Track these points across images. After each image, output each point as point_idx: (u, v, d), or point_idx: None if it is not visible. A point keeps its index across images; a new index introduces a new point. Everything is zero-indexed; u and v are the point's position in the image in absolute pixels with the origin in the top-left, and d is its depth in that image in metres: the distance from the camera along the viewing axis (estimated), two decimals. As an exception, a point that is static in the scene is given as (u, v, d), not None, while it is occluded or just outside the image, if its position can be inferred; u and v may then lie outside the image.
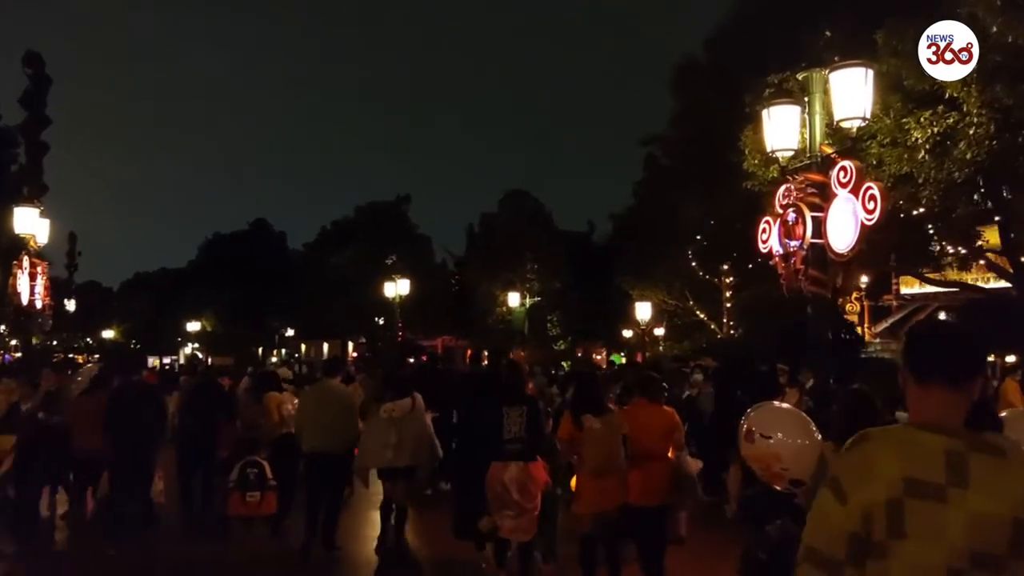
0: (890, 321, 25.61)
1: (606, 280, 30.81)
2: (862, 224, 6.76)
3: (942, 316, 27.40)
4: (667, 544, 6.65)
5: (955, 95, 8.83)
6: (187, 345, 56.11)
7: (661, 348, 28.27)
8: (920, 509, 1.77)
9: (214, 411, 9.04)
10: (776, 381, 9.32)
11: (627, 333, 32.18)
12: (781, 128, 7.74)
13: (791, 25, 10.87)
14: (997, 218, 11.86)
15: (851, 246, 6.91)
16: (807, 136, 7.63)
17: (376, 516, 9.36)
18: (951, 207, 10.47)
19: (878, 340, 23.50)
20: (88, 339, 62.87)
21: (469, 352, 28.17)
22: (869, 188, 6.72)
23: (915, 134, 9.08)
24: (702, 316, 25.87)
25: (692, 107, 20.47)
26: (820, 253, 7.20)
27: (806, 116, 7.58)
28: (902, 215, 10.63)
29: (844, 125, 7.15)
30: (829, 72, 7.14)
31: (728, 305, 24.82)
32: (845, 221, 6.97)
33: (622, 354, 29.73)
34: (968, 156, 8.85)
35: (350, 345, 45.97)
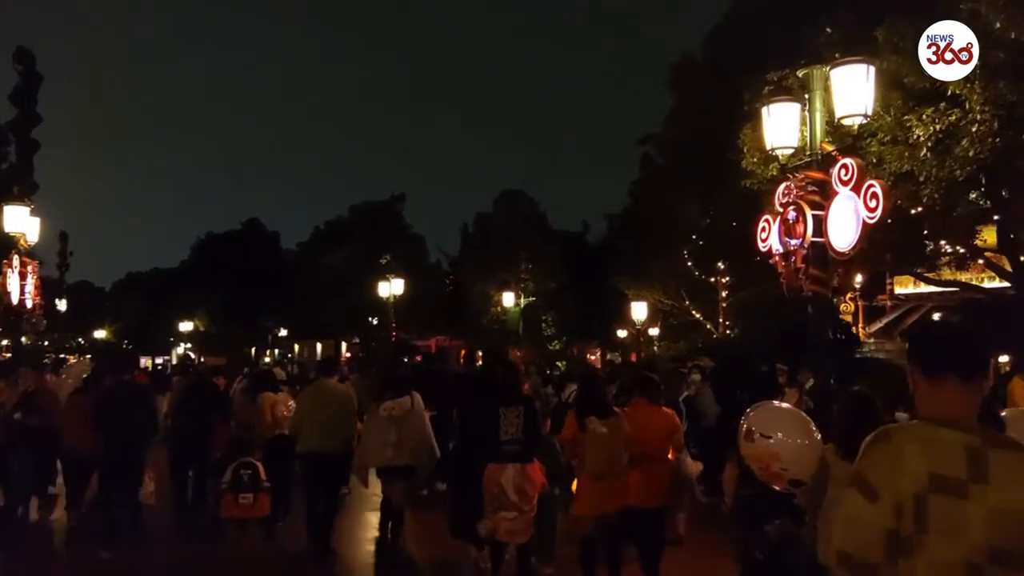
0: (884, 321, 25.60)
1: (601, 280, 30.76)
2: (864, 222, 6.69)
3: (936, 316, 27.43)
4: (666, 545, 6.65)
5: (958, 92, 8.77)
6: (180, 345, 55.88)
7: (655, 348, 28.23)
8: (942, 505, 1.77)
9: (208, 411, 8.94)
10: (775, 381, 9.25)
11: (622, 333, 32.14)
12: (781, 126, 7.67)
13: (791, 23, 10.80)
14: (996, 217, 11.80)
15: (852, 245, 6.84)
16: (806, 134, 7.55)
17: (371, 517, 9.32)
18: (952, 206, 10.42)
19: (872, 340, 23.47)
20: (80, 339, 62.51)
21: (463, 352, 28.14)
22: (871, 186, 6.66)
23: (917, 131, 9.01)
24: (698, 316, 25.84)
25: (690, 105, 20.42)
26: (821, 252, 7.13)
27: (806, 114, 7.50)
28: (898, 214, 10.57)
29: (845, 122, 7.08)
30: (830, 69, 7.07)
31: (724, 305, 24.80)
32: (846, 219, 6.90)
33: (617, 354, 29.68)
34: (971, 153, 8.78)
35: (344, 345, 45.84)
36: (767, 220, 7.99)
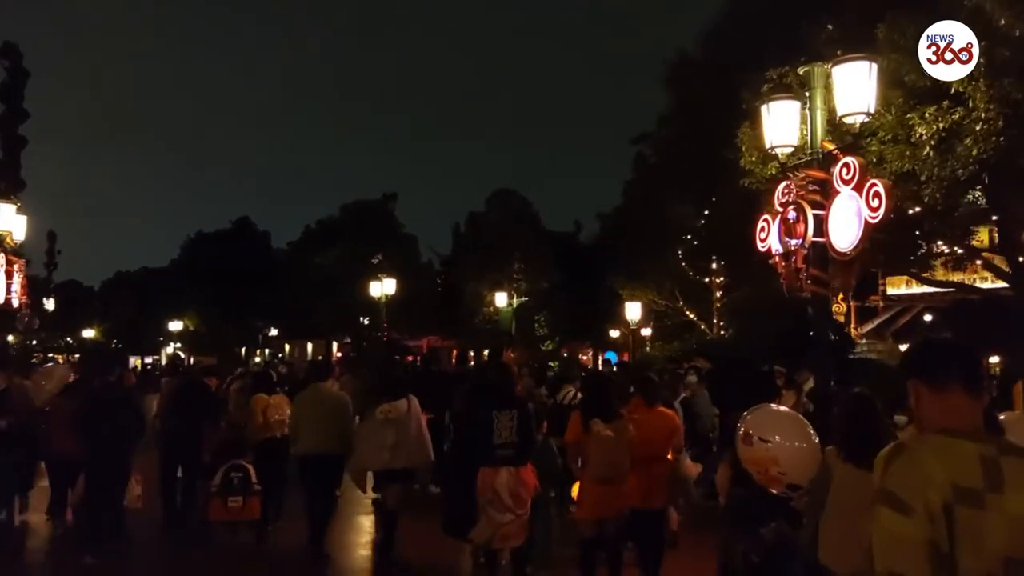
0: (876, 322, 25.58)
1: (593, 280, 30.70)
2: (866, 222, 6.57)
3: (928, 317, 27.46)
4: (666, 547, 6.63)
5: (961, 90, 8.67)
6: (169, 345, 55.61)
7: (648, 348, 28.17)
8: (965, 515, 1.77)
9: (199, 413, 8.79)
10: (774, 383, 9.18)
11: (614, 333, 32.08)
12: (781, 124, 7.55)
13: (789, 20, 10.70)
14: (995, 217, 11.71)
15: (854, 245, 6.73)
16: (806, 132, 7.45)
17: (364, 521, 9.21)
18: (953, 205, 10.33)
19: (864, 341, 23.48)
20: (68, 339, 62.10)
21: (455, 352, 28.02)
22: (874, 185, 6.54)
23: (919, 130, 8.90)
24: (692, 316, 25.78)
25: (685, 104, 20.31)
26: (821, 252, 7.02)
27: (806, 112, 7.40)
28: (896, 214, 10.47)
29: (847, 121, 6.97)
30: (831, 66, 6.95)
31: (718, 306, 24.74)
32: (848, 219, 6.78)
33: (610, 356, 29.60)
34: (974, 152, 8.68)
35: (335, 345, 45.66)
36: (766, 220, 7.88)
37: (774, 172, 8.89)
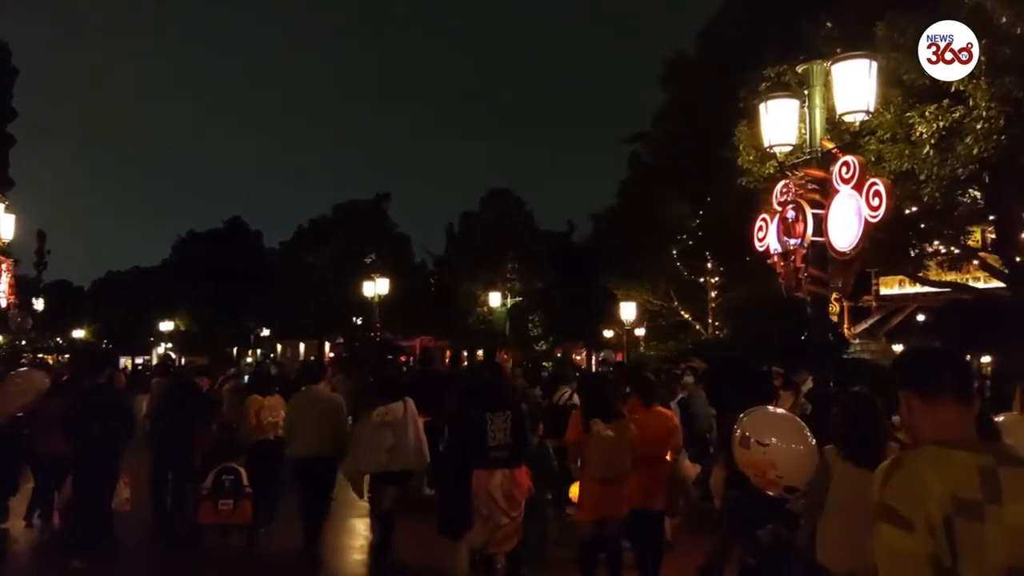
0: (869, 322, 25.62)
1: (587, 280, 30.68)
2: (866, 221, 6.51)
3: (921, 317, 27.49)
4: (665, 548, 6.62)
5: (962, 88, 8.62)
6: (160, 345, 55.36)
7: (641, 348, 28.15)
8: (965, 528, 1.76)
9: (190, 414, 8.67)
10: (771, 384, 9.10)
11: (608, 333, 32.05)
12: (779, 122, 7.48)
13: (787, 18, 10.64)
14: (992, 217, 11.66)
15: (854, 244, 6.67)
16: (804, 131, 7.39)
17: (358, 524, 9.11)
18: (952, 205, 10.28)
19: (857, 341, 23.52)
20: (58, 339, 61.76)
21: (448, 353, 27.93)
22: (874, 184, 6.48)
23: (920, 129, 8.84)
24: (687, 316, 25.75)
25: (682, 102, 20.24)
26: (821, 251, 6.95)
27: (805, 110, 7.33)
28: (893, 214, 10.41)
29: (847, 119, 6.91)
30: (831, 64, 6.89)
31: (713, 305, 24.72)
32: (848, 218, 6.72)
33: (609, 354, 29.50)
34: (975, 151, 8.63)
35: (327, 345, 45.50)
36: (764, 219, 7.81)
37: (772, 171, 8.84)
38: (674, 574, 6.56)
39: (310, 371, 9.02)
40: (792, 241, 7.18)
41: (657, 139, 23.98)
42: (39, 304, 38.97)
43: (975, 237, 13.44)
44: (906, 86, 9.03)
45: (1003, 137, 8.60)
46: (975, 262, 13.52)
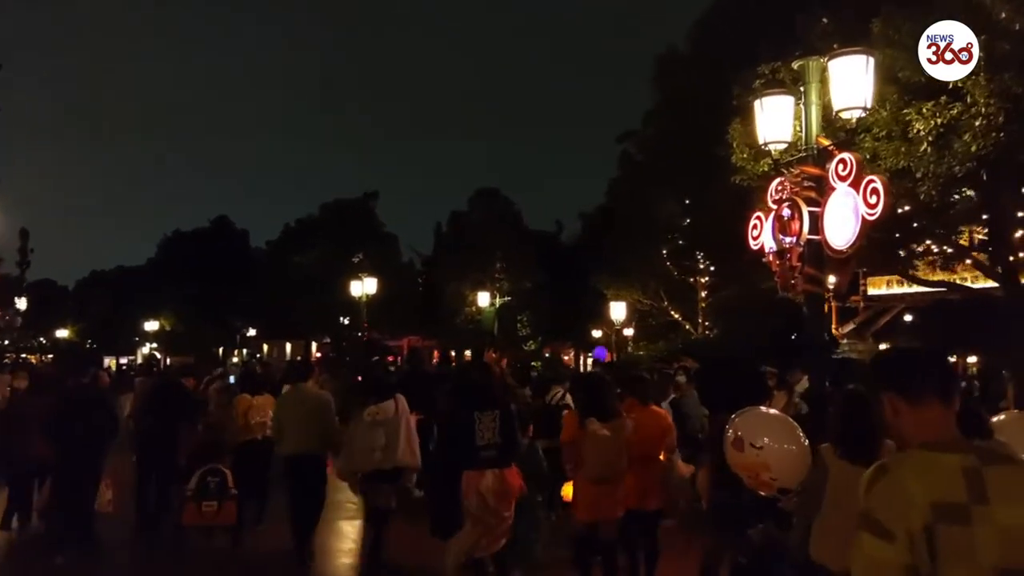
0: (857, 322, 25.72)
1: (576, 280, 30.65)
2: (863, 219, 6.44)
3: (908, 317, 27.60)
4: (660, 550, 6.50)
5: (959, 85, 8.58)
6: (145, 345, 54.99)
7: (630, 348, 28.12)
8: (949, 533, 1.75)
9: (175, 414, 8.53)
10: (765, 383, 9.02)
11: (597, 333, 32.03)
12: (775, 119, 7.42)
13: (782, 15, 10.57)
14: (985, 216, 11.63)
15: (851, 242, 6.59)
16: (799, 128, 7.31)
17: (345, 527, 8.98)
18: (948, 203, 10.22)
19: (845, 341, 23.61)
20: (41, 339, 61.21)
21: (436, 353, 27.81)
22: (871, 181, 6.40)
23: (917, 126, 8.79)
24: (677, 316, 25.73)
25: (673, 100, 20.16)
26: (817, 250, 6.88)
27: (800, 107, 7.25)
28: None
29: (844, 115, 6.84)
30: (828, 60, 6.81)
31: (703, 305, 24.70)
32: (844, 216, 6.64)
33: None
34: (973, 149, 8.58)
35: (314, 345, 45.27)
36: (759, 217, 7.74)
37: (766, 169, 8.76)
38: (671, 573, 6.50)
39: (297, 369, 8.90)
40: (787, 239, 7.10)
41: (648, 137, 23.93)
42: (22, 303, 38.59)
43: (963, 237, 13.43)
44: (902, 83, 8.98)
45: (1002, 134, 8.55)
46: (968, 261, 13.50)
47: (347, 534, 8.81)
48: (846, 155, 6.73)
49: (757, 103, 7.56)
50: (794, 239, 7.01)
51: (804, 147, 7.08)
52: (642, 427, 6.20)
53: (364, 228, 42.04)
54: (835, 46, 6.87)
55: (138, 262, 63.07)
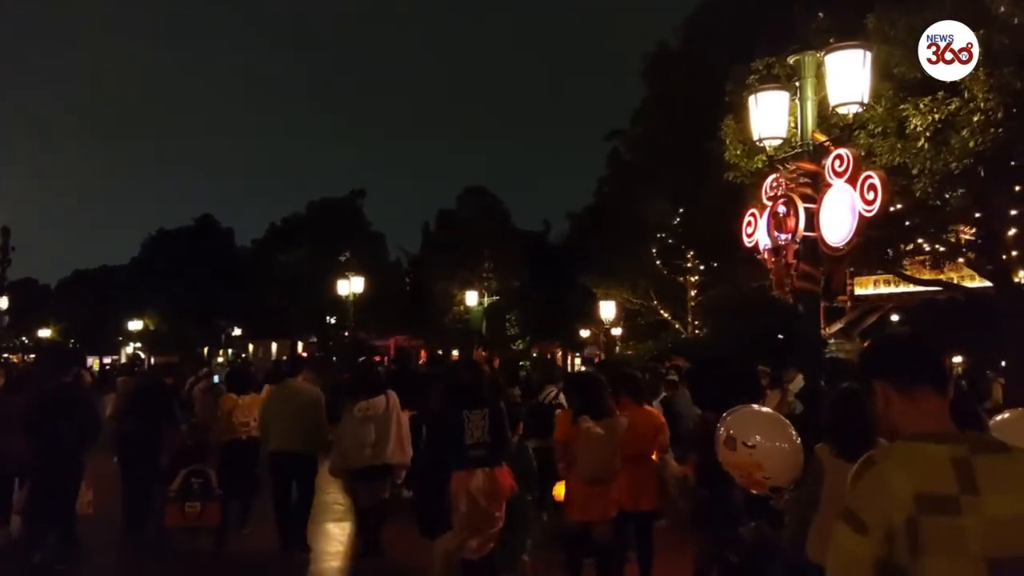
0: (844, 321, 25.77)
1: (564, 280, 30.60)
2: (860, 215, 6.37)
3: (895, 317, 27.70)
4: (655, 552, 6.43)
5: (957, 80, 8.54)
6: (129, 344, 54.55)
7: (617, 348, 28.08)
8: (936, 525, 1.73)
9: (157, 413, 8.37)
10: (758, 382, 8.96)
11: (585, 333, 32.01)
12: (769, 115, 7.33)
13: (777, 11, 10.50)
14: (977, 215, 11.58)
15: (847, 240, 6.52)
16: (794, 124, 7.23)
17: (332, 529, 8.85)
18: (943, 201, 10.16)
19: (832, 341, 23.63)
20: (24, 338, 60.59)
21: (423, 352, 27.67)
22: (869, 177, 6.33)
23: (914, 121, 8.72)
24: (666, 315, 25.69)
25: (664, 97, 20.08)
26: (812, 247, 6.79)
27: (795, 103, 7.17)
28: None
29: (840, 111, 6.77)
30: (824, 55, 6.74)
31: (692, 304, 24.68)
32: (841, 212, 6.56)
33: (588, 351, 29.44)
34: (971, 145, 8.51)
35: (300, 345, 44.99)
36: (753, 214, 7.67)
37: (760, 165, 8.67)
38: (667, 573, 6.42)
39: (288, 364, 8.85)
40: (783, 236, 7.02)
41: (637, 135, 23.86)
42: (3, 303, 38.13)
43: (954, 236, 13.41)
44: (897, 79, 8.91)
45: (1000, 130, 8.49)
46: (960, 260, 13.47)
47: (335, 536, 8.68)
48: (843, 151, 6.64)
49: (752, 99, 7.47)
50: (789, 236, 6.93)
51: (799, 143, 7.01)
52: (635, 426, 6.14)
53: (351, 227, 41.85)
54: (831, 41, 6.77)
55: (122, 261, 62.64)
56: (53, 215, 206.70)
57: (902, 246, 13.24)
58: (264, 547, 7.70)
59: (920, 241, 12.77)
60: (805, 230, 6.77)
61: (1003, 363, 13.50)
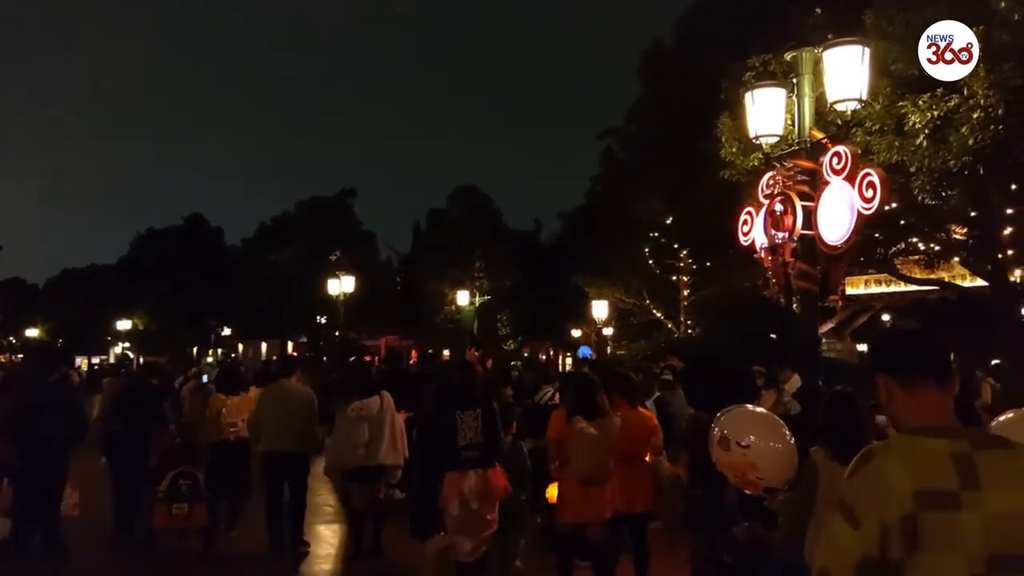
0: (835, 321, 25.79)
1: (555, 279, 30.55)
2: (859, 213, 6.30)
3: (886, 317, 27.73)
4: (649, 554, 6.39)
5: (958, 76, 8.50)
6: (118, 344, 54.24)
7: (609, 348, 28.03)
8: (934, 521, 1.72)
9: (145, 414, 8.26)
10: (753, 382, 8.90)
11: (576, 333, 31.95)
12: (766, 112, 7.26)
13: (772, 6, 10.44)
14: (973, 213, 11.54)
15: (845, 238, 6.45)
16: (791, 122, 7.17)
17: (323, 531, 8.75)
18: (941, 199, 10.10)
19: (824, 340, 23.65)
20: (11, 338, 60.18)
21: (414, 352, 27.52)
22: (868, 175, 6.25)
23: (913, 118, 8.65)
24: (659, 315, 25.65)
25: (658, 95, 20.00)
26: (810, 246, 6.73)
27: (792, 100, 7.10)
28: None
29: (839, 107, 6.71)
30: (822, 51, 6.67)
31: (685, 304, 24.64)
32: (839, 210, 6.49)
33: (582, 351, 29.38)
34: (970, 142, 8.45)
35: (290, 345, 44.79)
36: (750, 212, 7.59)
37: (756, 163, 8.60)
38: (664, 574, 6.38)
39: (281, 363, 8.76)
40: (780, 235, 6.95)
41: (631, 134, 23.79)
42: (-10, 302, 37.84)
43: (946, 236, 13.40)
44: (895, 76, 8.85)
45: (1000, 127, 8.43)
46: (955, 259, 13.45)
47: (326, 538, 8.59)
48: (841, 148, 6.57)
49: (748, 96, 7.39)
50: (787, 234, 6.86)
51: (796, 140, 6.94)
52: (629, 427, 6.07)
53: (341, 226, 41.67)
54: (829, 37, 6.71)
55: (111, 260, 62.29)
56: (53, 215, 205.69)
57: (896, 245, 13.20)
58: (253, 549, 7.65)
59: (914, 240, 12.73)
60: (803, 228, 6.70)
61: (993, 363, 13.50)
